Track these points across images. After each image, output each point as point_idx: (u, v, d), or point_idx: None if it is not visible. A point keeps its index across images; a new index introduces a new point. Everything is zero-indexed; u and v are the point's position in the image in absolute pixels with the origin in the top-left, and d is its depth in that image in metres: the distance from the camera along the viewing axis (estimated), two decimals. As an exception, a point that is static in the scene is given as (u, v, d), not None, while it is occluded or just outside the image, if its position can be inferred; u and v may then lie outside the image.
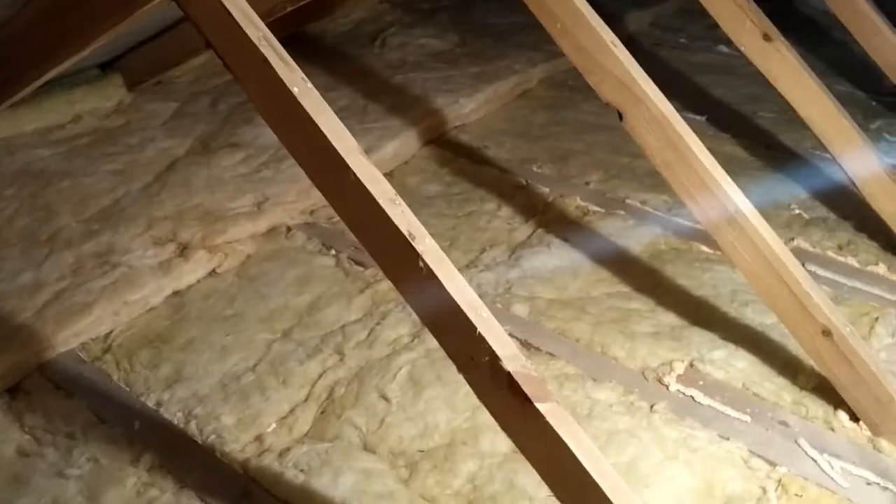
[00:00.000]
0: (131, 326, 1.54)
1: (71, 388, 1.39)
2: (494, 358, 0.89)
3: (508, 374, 0.88)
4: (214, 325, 1.55)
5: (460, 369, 0.95)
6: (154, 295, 1.58)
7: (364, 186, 0.92)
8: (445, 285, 0.91)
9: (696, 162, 1.29)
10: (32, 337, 1.44)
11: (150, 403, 1.36)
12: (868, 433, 1.27)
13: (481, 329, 0.89)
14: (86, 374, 1.42)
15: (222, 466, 1.25)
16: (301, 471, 1.24)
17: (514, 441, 0.93)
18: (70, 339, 1.46)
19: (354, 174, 0.92)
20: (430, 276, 0.91)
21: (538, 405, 0.88)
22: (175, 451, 1.28)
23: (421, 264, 0.91)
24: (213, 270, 1.69)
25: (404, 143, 2.13)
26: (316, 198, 1.88)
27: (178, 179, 1.92)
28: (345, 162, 0.93)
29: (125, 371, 1.43)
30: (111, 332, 1.52)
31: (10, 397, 1.38)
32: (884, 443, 1.25)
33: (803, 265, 1.36)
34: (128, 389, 1.39)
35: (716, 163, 1.30)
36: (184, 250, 1.68)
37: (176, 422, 1.33)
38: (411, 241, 0.91)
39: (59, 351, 1.45)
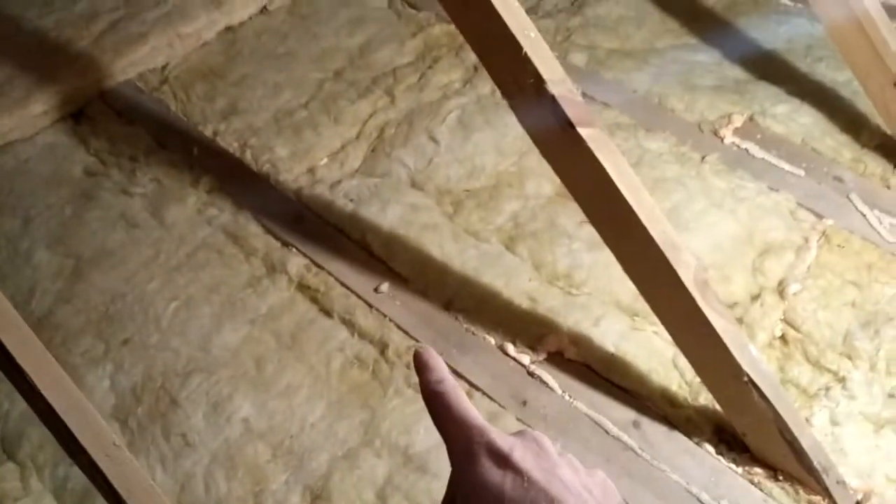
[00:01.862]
0: (186, 60, 1.55)
1: (131, 115, 1.43)
2: (539, 80, 0.87)
3: (553, 96, 0.86)
4: (267, 62, 1.54)
5: (504, 93, 0.93)
6: (207, 29, 1.57)
7: None
8: (494, 2, 0.87)
9: None
10: (91, 64, 1.46)
11: (207, 133, 1.40)
12: (926, 193, 1.24)
13: (528, 49, 0.86)
14: (145, 104, 1.46)
15: (277, 192, 1.31)
16: (351, 200, 1.29)
17: (554, 167, 0.93)
18: (128, 68, 1.48)
19: None
20: (478, -9, 0.87)
21: (580, 129, 0.87)
22: (232, 176, 1.33)
23: (468, -22, 0.86)
24: (265, 7, 1.65)
25: None
26: (370, -65, 1.78)
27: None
28: None
29: (182, 102, 1.46)
30: (167, 64, 1.53)
31: (75, 122, 1.44)
32: (940, 202, 1.22)
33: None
34: (185, 119, 1.43)
35: None
36: (235, -15, 1.64)
37: (232, 150, 1.37)
38: (459, -49, 0.86)
39: (118, 80, 1.48)
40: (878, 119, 1.30)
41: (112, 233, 1.26)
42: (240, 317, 1.16)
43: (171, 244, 1.25)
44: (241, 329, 1.15)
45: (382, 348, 1.11)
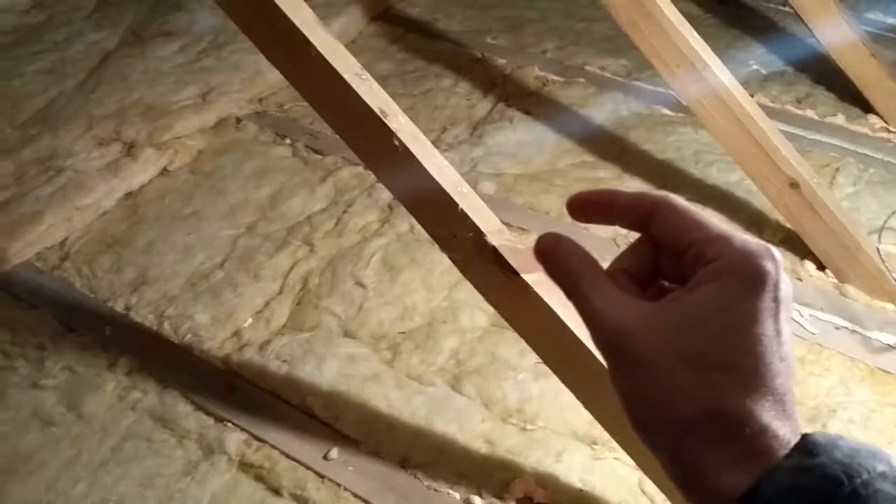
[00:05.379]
0: (87, 232, 1.47)
1: (33, 299, 1.34)
2: (478, 233, 0.87)
3: (494, 248, 0.86)
4: (174, 225, 1.49)
5: (443, 248, 0.93)
6: (106, 198, 1.51)
7: (328, 62, 0.86)
8: (423, 163, 0.87)
9: (664, 19, 1.25)
10: (-17, 251, 1.37)
11: (119, 308, 1.32)
12: (834, 280, 1.32)
13: (463, 205, 0.87)
14: (47, 284, 1.37)
15: (203, 364, 1.24)
16: (284, 361, 1.23)
17: (502, 314, 0.93)
18: (24, 249, 1.40)
19: (316, 49, 0.86)
20: (407, 155, 0.87)
21: (525, 276, 0.87)
22: (152, 353, 1.25)
23: (396, 143, 0.87)
24: (165, 168, 1.61)
25: (350, 20, 2.02)
26: (263, 85, 1.80)
27: (113, 74, 1.80)
28: (305, 36, 0.86)
29: (87, 278, 1.38)
30: (66, 239, 1.45)
31: (-30, 315, 1.33)
32: (850, 289, 1.30)
33: (765, 121, 1.36)
34: (93, 296, 1.35)
35: (684, 19, 1.26)
36: (130, 149, 1.59)
37: (148, 324, 1.30)
38: (384, 119, 0.86)
39: (15, 263, 1.39)
40: (776, 214, 1.38)
41: (25, 434, 1.15)
42: (180, 509, 1.06)
43: (93, 439, 1.14)
44: (184, 523, 1.05)
45: (341, 520, 1.04)
